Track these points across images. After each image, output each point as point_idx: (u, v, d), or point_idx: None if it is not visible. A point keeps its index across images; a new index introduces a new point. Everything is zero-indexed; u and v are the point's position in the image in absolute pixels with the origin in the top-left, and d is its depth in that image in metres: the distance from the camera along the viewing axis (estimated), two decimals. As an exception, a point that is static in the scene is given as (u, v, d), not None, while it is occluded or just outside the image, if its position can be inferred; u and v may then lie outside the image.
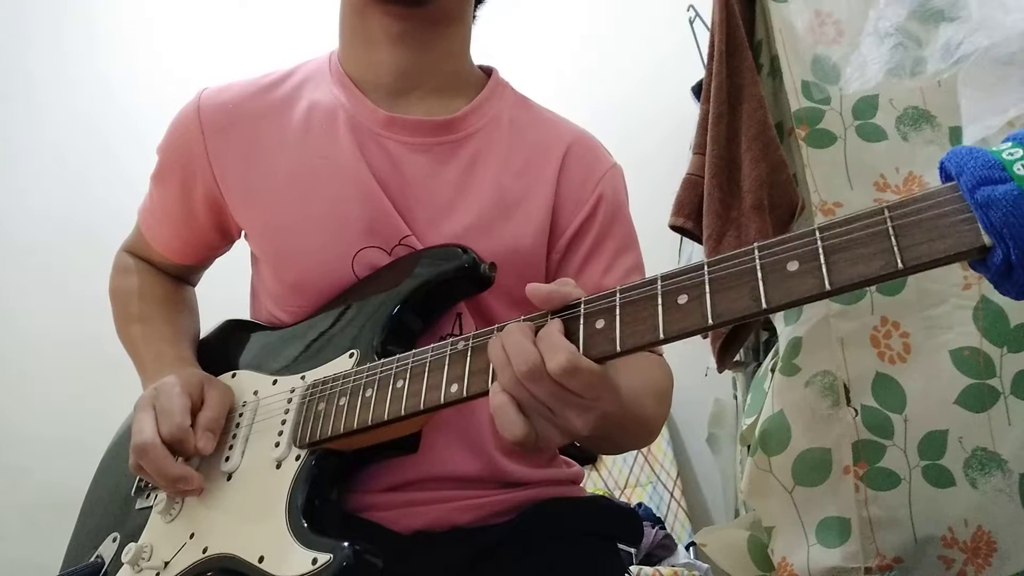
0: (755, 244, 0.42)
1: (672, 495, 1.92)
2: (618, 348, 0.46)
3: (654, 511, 1.85)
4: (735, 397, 1.75)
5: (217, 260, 0.91)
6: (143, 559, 0.65)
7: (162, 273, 0.88)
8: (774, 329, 1.36)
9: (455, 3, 0.75)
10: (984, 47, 1.09)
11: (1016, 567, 1.09)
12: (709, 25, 1.41)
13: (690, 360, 1.93)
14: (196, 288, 0.94)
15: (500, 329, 0.53)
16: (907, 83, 1.19)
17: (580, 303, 0.49)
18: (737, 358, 1.47)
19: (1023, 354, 1.13)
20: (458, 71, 0.80)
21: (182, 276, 0.90)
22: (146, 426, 0.64)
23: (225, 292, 0.99)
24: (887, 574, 1.12)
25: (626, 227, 0.82)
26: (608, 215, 0.79)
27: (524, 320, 0.51)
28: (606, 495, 1.68)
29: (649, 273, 0.48)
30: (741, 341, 1.40)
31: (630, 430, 0.69)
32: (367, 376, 0.61)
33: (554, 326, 0.49)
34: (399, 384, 0.57)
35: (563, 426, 0.49)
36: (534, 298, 0.51)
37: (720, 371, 1.47)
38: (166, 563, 0.64)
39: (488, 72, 0.84)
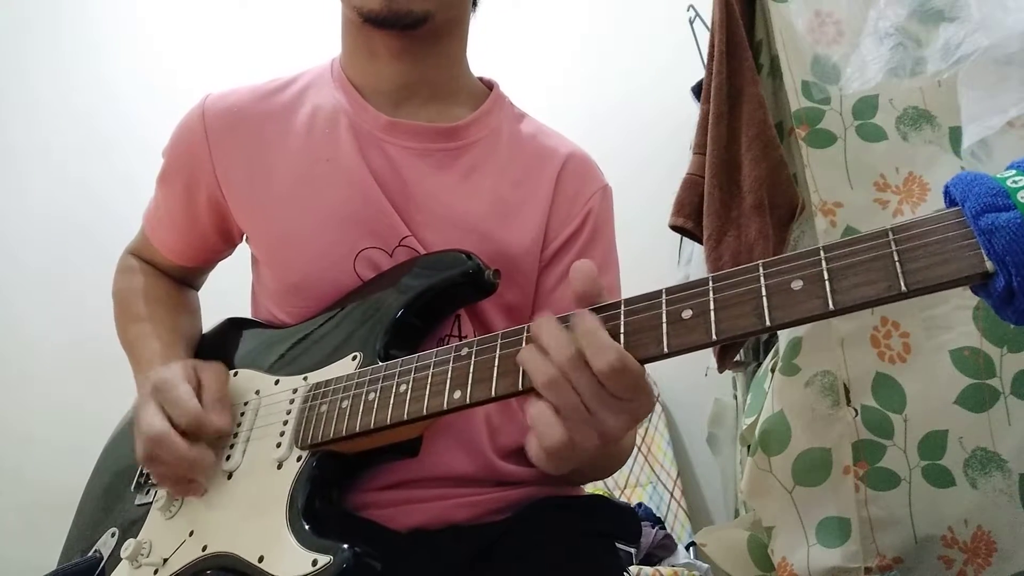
0: (760, 262, 0.43)
1: (672, 495, 1.92)
2: None
3: (654, 511, 1.85)
4: (735, 397, 1.75)
5: (222, 262, 0.92)
6: (142, 555, 0.65)
7: (165, 276, 0.89)
8: (774, 329, 1.36)
9: (452, 17, 0.76)
10: (984, 47, 1.09)
11: (1016, 567, 1.09)
12: (709, 25, 1.42)
13: (690, 360, 1.92)
14: (200, 289, 0.94)
15: (505, 337, 0.53)
16: (907, 83, 1.19)
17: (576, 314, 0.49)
18: (737, 358, 1.48)
19: (1023, 354, 1.13)
20: (456, 77, 0.82)
21: (185, 279, 0.91)
22: (155, 419, 0.64)
23: (227, 292, 0.99)
24: (887, 574, 1.12)
25: (609, 246, 0.84)
26: (593, 232, 0.80)
27: (528, 327, 0.51)
28: (606, 495, 1.68)
29: (647, 279, 0.49)
30: (741, 341, 1.40)
31: (608, 464, 0.74)
32: (370, 379, 0.61)
33: (594, 320, 0.47)
34: (402, 388, 0.57)
35: (600, 428, 0.47)
36: (580, 273, 0.50)
37: (720, 371, 1.47)
38: (165, 560, 0.64)
39: (489, 85, 0.86)
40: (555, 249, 0.78)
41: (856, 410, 1.16)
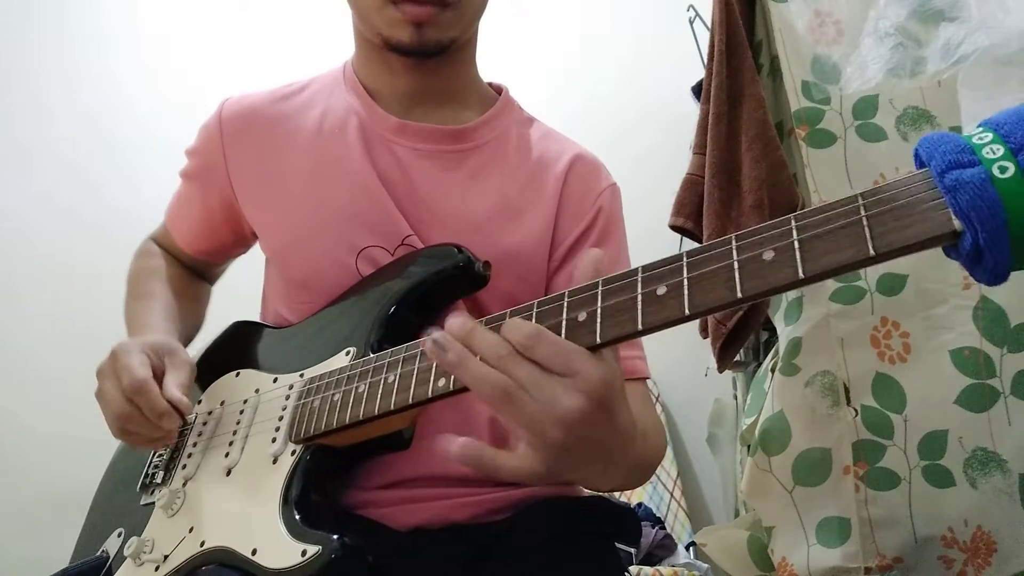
0: (733, 235, 0.43)
1: (672, 495, 1.91)
2: (598, 340, 0.46)
3: (654, 511, 1.85)
4: (735, 397, 1.75)
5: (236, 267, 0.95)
6: (144, 552, 0.66)
7: (178, 262, 0.92)
8: (774, 329, 1.36)
9: (466, 32, 0.78)
10: (984, 47, 1.09)
11: (1016, 567, 1.08)
12: (709, 25, 1.42)
13: (690, 360, 1.93)
14: (214, 283, 0.98)
15: (489, 323, 0.52)
16: (907, 83, 1.19)
17: (564, 295, 0.49)
18: (737, 358, 1.47)
19: (1023, 354, 1.13)
20: (467, 82, 0.84)
21: (199, 270, 0.94)
22: (113, 394, 0.65)
23: (239, 297, 1.01)
24: (887, 574, 1.12)
25: (620, 243, 0.84)
26: (604, 229, 0.81)
27: (510, 312, 0.51)
28: (606, 495, 1.67)
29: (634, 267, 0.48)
30: (741, 341, 1.40)
31: (631, 466, 0.66)
32: (360, 372, 0.61)
33: (513, 318, 0.49)
34: (390, 379, 0.57)
35: (554, 412, 0.45)
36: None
37: (720, 371, 1.47)
38: (165, 556, 0.65)
39: (499, 90, 0.87)
40: (567, 248, 0.79)
41: (856, 410, 1.16)
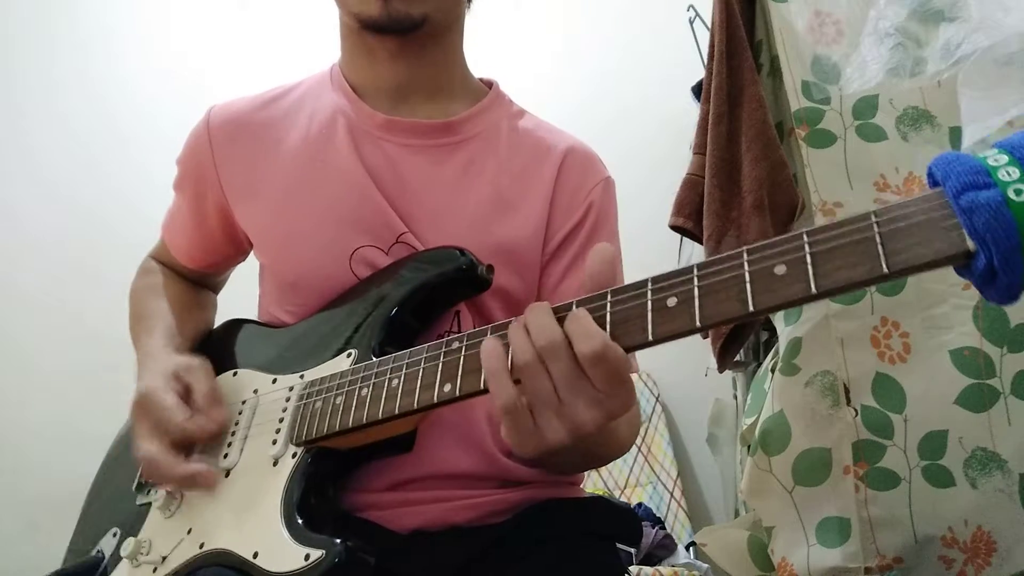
0: (744, 248, 0.43)
1: (672, 495, 1.92)
2: None
3: (654, 511, 1.85)
4: (735, 397, 1.75)
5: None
6: (141, 553, 0.66)
7: (180, 276, 0.91)
8: (774, 329, 1.36)
9: (447, 18, 0.77)
10: (984, 47, 1.09)
11: (1016, 567, 1.09)
12: (709, 25, 1.42)
13: (690, 360, 1.93)
14: (219, 292, 0.97)
15: (495, 330, 0.52)
16: (907, 83, 1.19)
17: (572, 304, 0.49)
18: (737, 358, 1.48)
19: (1023, 354, 1.13)
20: (453, 75, 0.83)
21: (201, 282, 0.93)
22: (145, 442, 0.66)
23: (240, 300, 1.01)
24: (887, 574, 1.12)
25: (612, 239, 0.83)
26: (595, 225, 0.80)
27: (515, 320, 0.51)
28: (606, 495, 1.68)
29: (644, 278, 0.48)
30: (741, 341, 1.40)
31: (600, 453, 0.70)
32: (363, 375, 0.61)
33: (584, 310, 0.48)
34: (394, 383, 0.57)
35: (571, 420, 0.47)
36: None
37: (720, 371, 1.47)
38: (164, 558, 0.64)
39: (489, 84, 0.86)
40: (558, 243, 0.78)
41: (856, 410, 1.16)
